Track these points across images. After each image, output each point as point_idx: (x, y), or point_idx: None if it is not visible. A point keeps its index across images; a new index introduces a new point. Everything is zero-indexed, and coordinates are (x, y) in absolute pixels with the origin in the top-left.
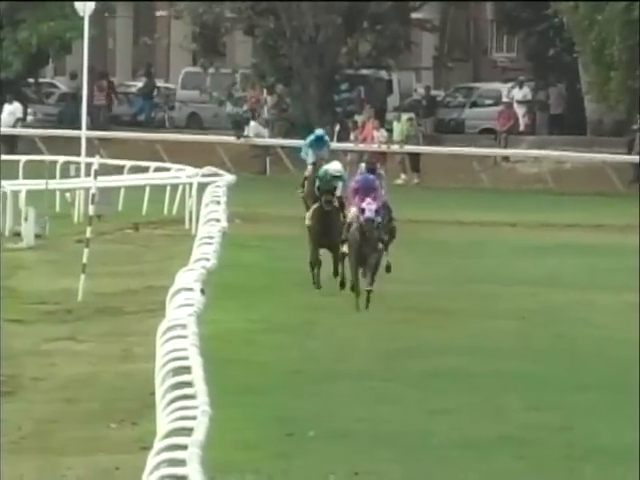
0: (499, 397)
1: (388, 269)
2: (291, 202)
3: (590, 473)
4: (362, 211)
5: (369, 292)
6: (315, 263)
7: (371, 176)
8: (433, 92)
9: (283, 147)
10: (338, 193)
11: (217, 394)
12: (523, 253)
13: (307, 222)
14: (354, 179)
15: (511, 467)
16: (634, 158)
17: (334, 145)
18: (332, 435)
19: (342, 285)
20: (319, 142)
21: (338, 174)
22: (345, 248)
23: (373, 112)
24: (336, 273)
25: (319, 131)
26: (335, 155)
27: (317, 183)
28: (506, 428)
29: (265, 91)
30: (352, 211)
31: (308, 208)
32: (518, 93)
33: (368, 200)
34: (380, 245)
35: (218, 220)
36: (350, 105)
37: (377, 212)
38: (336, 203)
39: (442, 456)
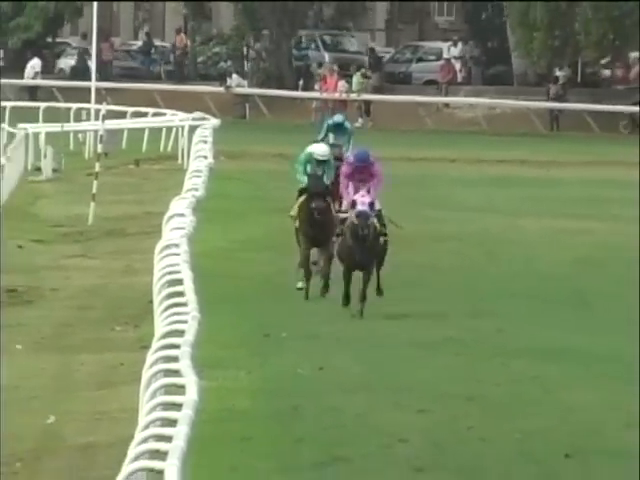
0: (443, 304)
1: (379, 291)
2: (268, 141)
3: (518, 367)
4: (353, 204)
5: (363, 304)
6: (306, 272)
7: (370, 157)
8: (385, 49)
9: (260, 96)
10: (326, 181)
11: (204, 302)
12: (462, 184)
13: (294, 218)
14: (347, 161)
15: (453, 363)
16: (552, 104)
17: (298, 94)
18: (301, 336)
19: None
20: (339, 128)
21: (324, 158)
22: (337, 244)
23: (334, 67)
24: (326, 283)
25: (338, 117)
26: (301, 103)
27: (303, 172)
28: (449, 331)
29: (245, 48)
30: (345, 202)
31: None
32: (455, 50)
33: (362, 192)
34: (382, 240)
35: (206, 157)
36: (313, 61)
37: (372, 205)
38: (327, 200)
39: (395, 354)
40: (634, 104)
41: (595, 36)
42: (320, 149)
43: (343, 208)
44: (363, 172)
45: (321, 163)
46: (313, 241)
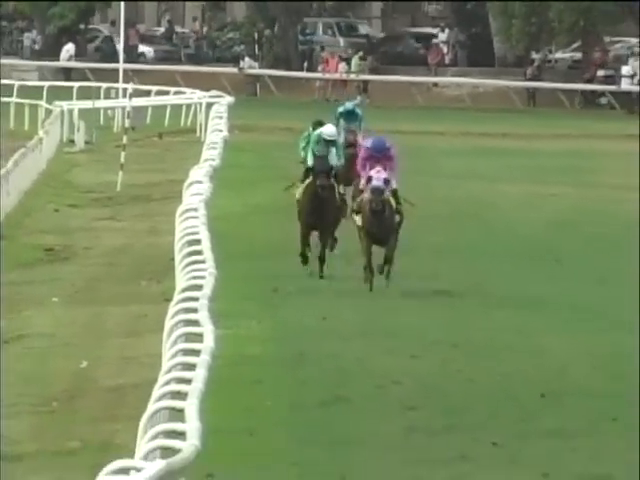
0: (433, 262)
1: (382, 271)
2: (276, 117)
3: (498, 316)
4: (369, 179)
5: (390, 266)
6: (304, 257)
7: (386, 143)
8: (380, 34)
9: (269, 76)
10: (332, 162)
11: (220, 260)
12: (449, 154)
13: (297, 197)
14: (364, 147)
15: (441, 313)
16: (529, 84)
17: (303, 74)
18: (306, 290)
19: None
20: (350, 115)
21: (332, 138)
22: (358, 220)
23: (334, 51)
24: (322, 260)
25: (349, 104)
26: (306, 83)
27: (310, 152)
28: (438, 285)
29: (256, 34)
30: (362, 181)
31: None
32: (443, 35)
33: (378, 168)
34: (397, 218)
35: (221, 130)
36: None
37: (387, 182)
38: (332, 181)
39: (389, 306)
40: (587, 81)
41: (567, 23)
42: (328, 130)
43: (360, 187)
44: (380, 157)
45: (329, 143)
46: (313, 225)
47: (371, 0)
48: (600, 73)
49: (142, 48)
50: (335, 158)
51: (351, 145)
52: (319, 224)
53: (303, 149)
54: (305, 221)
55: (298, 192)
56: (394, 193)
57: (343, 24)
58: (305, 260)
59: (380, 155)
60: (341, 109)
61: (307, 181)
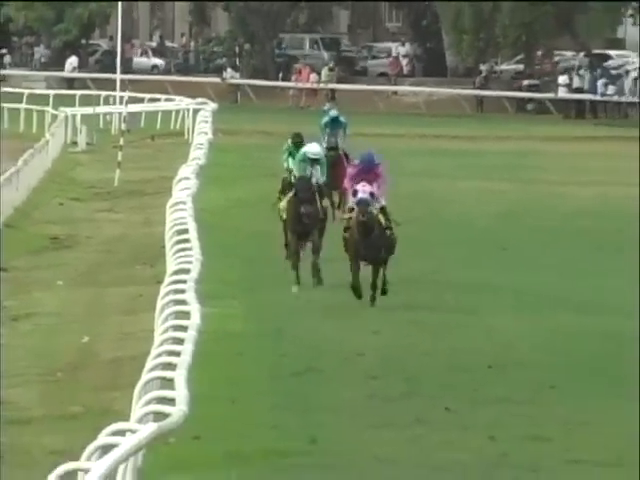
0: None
1: (383, 291)
2: (255, 121)
3: (450, 298)
4: (354, 193)
5: (374, 292)
6: (293, 262)
7: (375, 160)
8: (346, 49)
9: (249, 85)
10: (315, 179)
11: (206, 247)
12: (408, 155)
13: (281, 213)
14: (352, 164)
15: (402, 296)
16: (477, 92)
17: (279, 84)
18: (284, 274)
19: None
20: (334, 121)
21: (316, 157)
22: (347, 236)
23: (306, 65)
24: (315, 271)
25: (333, 112)
26: (281, 91)
27: (293, 171)
28: (399, 270)
29: (237, 48)
30: (350, 202)
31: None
32: (402, 49)
33: (363, 182)
34: (387, 232)
35: (206, 133)
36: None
37: (372, 195)
38: (315, 200)
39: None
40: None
41: (511, 38)
42: (313, 149)
43: (349, 204)
44: (369, 173)
45: (314, 162)
46: (300, 235)
47: None
48: (525, 82)
49: (155, 61)
50: (319, 175)
51: (333, 148)
52: (304, 235)
53: (285, 160)
54: (291, 234)
55: (282, 204)
56: (383, 210)
57: (327, 39)
58: (295, 264)
59: (368, 171)
60: (326, 119)
61: (289, 195)
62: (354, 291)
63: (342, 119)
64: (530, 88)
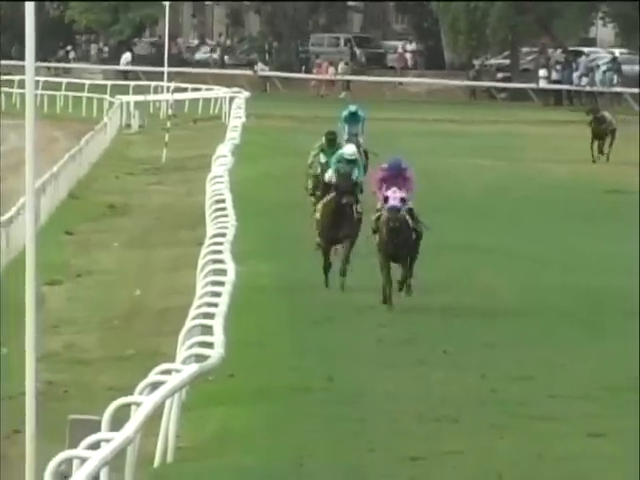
0: None
1: (407, 288)
2: (281, 107)
3: (445, 258)
4: (385, 199)
5: (403, 286)
6: (326, 266)
7: (403, 164)
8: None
9: (277, 77)
10: (353, 178)
11: (239, 215)
12: (410, 135)
13: (316, 216)
14: (381, 167)
15: None
16: (471, 83)
17: (302, 75)
18: (304, 238)
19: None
20: (353, 117)
21: (353, 157)
22: (376, 238)
23: (326, 59)
24: (343, 272)
25: (352, 107)
26: (304, 82)
27: (332, 172)
28: None
29: (267, 45)
30: (379, 203)
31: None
32: (407, 46)
33: (394, 189)
34: (414, 236)
35: (240, 117)
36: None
37: (403, 201)
38: (354, 198)
39: (366, 252)
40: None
41: (499, 38)
42: (349, 150)
43: (378, 207)
44: (397, 178)
45: (350, 162)
46: (334, 240)
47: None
48: (499, 75)
49: (213, 55)
50: (357, 175)
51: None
52: (339, 238)
53: (314, 156)
54: (325, 235)
55: (317, 209)
56: (410, 212)
57: (359, 38)
58: (326, 269)
59: (397, 176)
60: (345, 112)
61: (328, 197)
62: (383, 291)
63: (361, 113)
64: (504, 80)
